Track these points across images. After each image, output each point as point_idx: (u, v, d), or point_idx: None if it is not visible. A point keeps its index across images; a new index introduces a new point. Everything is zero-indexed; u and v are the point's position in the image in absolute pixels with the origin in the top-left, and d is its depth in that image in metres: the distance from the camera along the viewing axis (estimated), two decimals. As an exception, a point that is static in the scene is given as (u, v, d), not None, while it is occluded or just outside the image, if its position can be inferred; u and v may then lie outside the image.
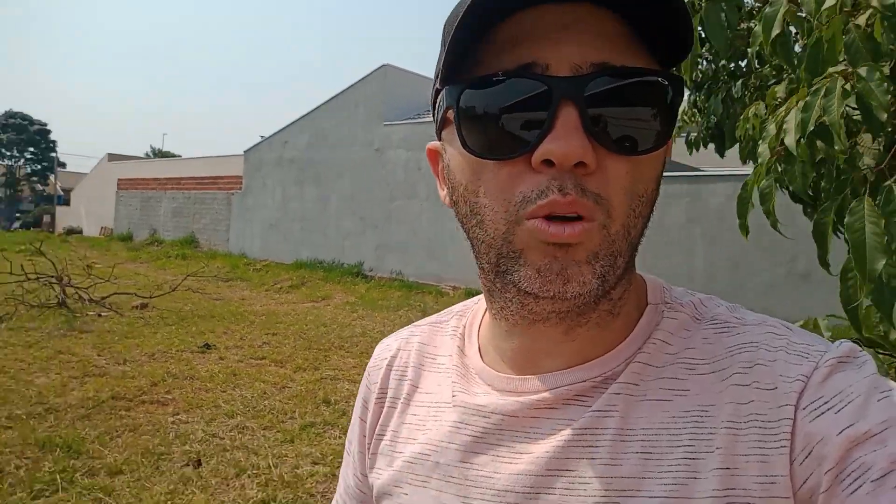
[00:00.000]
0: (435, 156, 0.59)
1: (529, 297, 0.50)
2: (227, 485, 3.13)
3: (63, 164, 43.39)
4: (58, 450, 3.37)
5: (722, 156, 3.07)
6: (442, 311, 0.71)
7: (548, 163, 0.45)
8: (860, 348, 0.49)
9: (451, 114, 0.50)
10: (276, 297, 10.16)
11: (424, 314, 8.33)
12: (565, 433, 0.51)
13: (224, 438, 3.76)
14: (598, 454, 0.50)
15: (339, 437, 3.91)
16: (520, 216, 0.47)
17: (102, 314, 7.48)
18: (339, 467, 3.41)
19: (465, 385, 0.59)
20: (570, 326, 0.53)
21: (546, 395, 0.53)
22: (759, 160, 1.12)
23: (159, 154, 42.63)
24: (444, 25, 0.49)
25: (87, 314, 7.42)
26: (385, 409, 0.65)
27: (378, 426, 0.65)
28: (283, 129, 14.68)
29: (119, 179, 20.63)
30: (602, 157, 0.46)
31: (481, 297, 0.65)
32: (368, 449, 0.66)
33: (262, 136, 15.69)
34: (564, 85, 0.45)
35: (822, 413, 0.44)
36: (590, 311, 0.52)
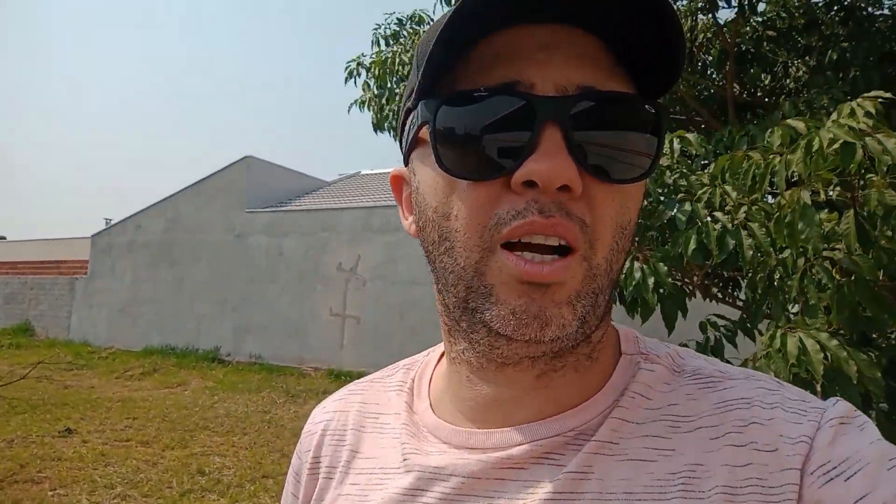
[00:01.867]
0: (399, 182, 0.57)
1: (501, 339, 0.46)
2: (123, 540, 3.50)
3: None
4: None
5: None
6: (386, 367, 0.66)
7: (529, 184, 0.42)
8: (855, 408, 0.47)
9: (424, 132, 0.47)
10: (128, 384, 9.95)
11: (288, 395, 8.76)
12: (536, 498, 0.46)
13: (128, 496, 4.06)
14: None
15: (217, 500, 4.33)
16: (494, 242, 0.44)
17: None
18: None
19: (417, 444, 0.53)
20: (544, 371, 0.49)
21: (513, 451, 0.48)
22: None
23: (-21, 235, 38.68)
24: (420, 44, 0.48)
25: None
26: (320, 481, 0.59)
27: (312, 501, 0.59)
28: (137, 213, 14.57)
29: (-62, 263, 18.84)
30: (587, 184, 0.43)
31: (431, 349, 0.62)
32: None
33: (107, 220, 15.43)
34: (550, 105, 0.42)
35: (832, 479, 0.42)
36: (567, 355, 0.49)
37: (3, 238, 31.03)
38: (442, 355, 0.58)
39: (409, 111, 0.51)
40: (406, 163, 0.54)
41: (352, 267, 11.33)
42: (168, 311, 13.45)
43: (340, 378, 9.97)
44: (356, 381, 0.66)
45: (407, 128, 0.51)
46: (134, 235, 14.44)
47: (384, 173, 15.91)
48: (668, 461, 0.46)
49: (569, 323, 0.44)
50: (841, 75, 2.99)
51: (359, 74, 3.43)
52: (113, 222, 15.11)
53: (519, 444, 0.49)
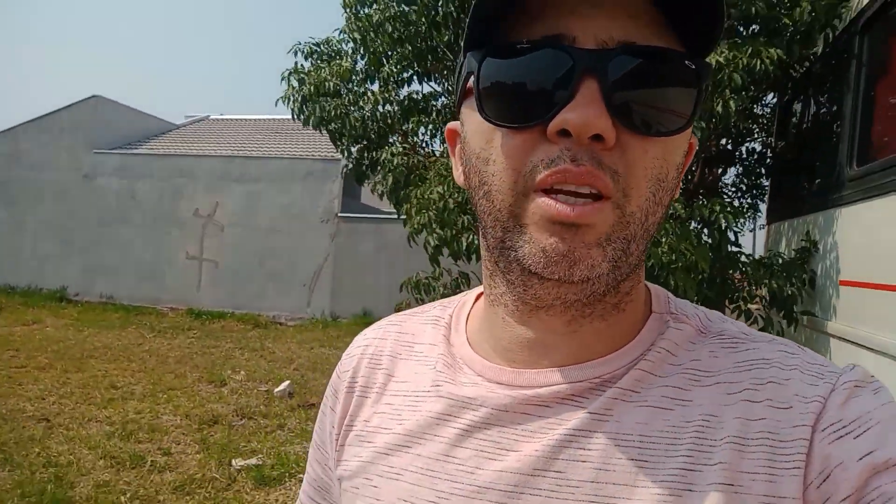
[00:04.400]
0: (453, 136, 0.59)
1: (534, 278, 0.49)
2: (84, 425, 4.50)
3: None
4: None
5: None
6: (423, 305, 0.70)
7: (564, 134, 0.45)
8: (871, 374, 0.49)
9: (472, 82, 0.50)
10: (-22, 321, 9.97)
11: (154, 331, 9.54)
12: (557, 433, 0.50)
13: (52, 407, 4.95)
14: (590, 457, 0.49)
15: (139, 403, 5.33)
16: (528, 187, 0.46)
17: None
18: (156, 415, 4.94)
19: (451, 375, 0.58)
20: (574, 317, 0.52)
21: (540, 391, 0.52)
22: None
23: None
24: None
25: None
26: (355, 399, 0.64)
27: (348, 416, 0.63)
28: (-35, 145, 13.75)
29: None
30: (622, 136, 0.45)
31: (465, 293, 0.67)
32: (337, 440, 0.64)
33: None
34: (589, 58, 0.45)
35: (842, 437, 0.44)
36: (596, 303, 0.51)
37: None
38: (478, 297, 0.64)
39: (461, 66, 0.53)
40: (458, 114, 0.56)
41: (209, 213, 11.97)
42: (7, 250, 13.10)
43: (201, 317, 10.79)
44: (394, 314, 0.71)
45: (459, 77, 0.54)
46: (-39, 169, 13.65)
47: (236, 119, 16.25)
48: (685, 410, 0.49)
49: (598, 264, 0.46)
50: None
51: (287, 80, 4.60)
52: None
53: (546, 385, 0.52)
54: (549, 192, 0.46)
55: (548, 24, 0.46)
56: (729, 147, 5.20)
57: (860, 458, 0.43)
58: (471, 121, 0.52)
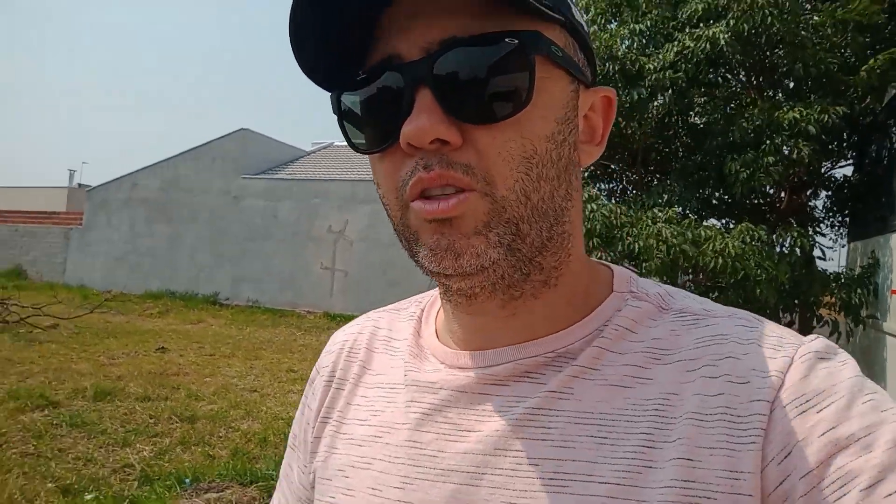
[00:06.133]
0: None
1: (440, 277, 0.51)
2: (286, 395, 5.88)
3: None
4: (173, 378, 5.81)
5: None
6: (402, 301, 0.71)
7: (413, 146, 0.46)
8: (835, 344, 0.49)
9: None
10: (156, 321, 11.67)
11: (300, 329, 11.06)
12: (516, 411, 0.51)
13: (254, 383, 6.38)
14: (551, 435, 0.49)
15: (314, 386, 6.68)
16: (406, 200, 0.49)
17: (33, 331, 8.97)
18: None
19: (418, 364, 0.59)
20: (505, 300, 0.53)
21: (497, 369, 0.53)
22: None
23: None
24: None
25: (17, 331, 8.85)
26: (332, 391, 0.65)
27: (324, 409, 0.65)
28: (133, 172, 16.14)
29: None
30: (468, 131, 0.47)
31: None
32: (312, 433, 0.65)
33: (71, 171, 16.65)
34: (414, 69, 0.46)
35: (804, 412, 0.43)
36: (521, 283, 0.51)
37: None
38: None
39: None
40: None
41: (340, 230, 13.55)
42: (166, 260, 15.27)
43: (335, 319, 12.31)
44: (374, 310, 0.72)
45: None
46: (129, 192, 16.01)
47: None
48: (645, 388, 0.49)
49: (482, 252, 0.47)
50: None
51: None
52: (87, 178, 16.44)
53: (502, 363, 0.53)
54: (420, 197, 0.48)
55: (382, 47, 0.49)
56: (811, 175, 5.95)
57: (822, 434, 0.42)
58: None
